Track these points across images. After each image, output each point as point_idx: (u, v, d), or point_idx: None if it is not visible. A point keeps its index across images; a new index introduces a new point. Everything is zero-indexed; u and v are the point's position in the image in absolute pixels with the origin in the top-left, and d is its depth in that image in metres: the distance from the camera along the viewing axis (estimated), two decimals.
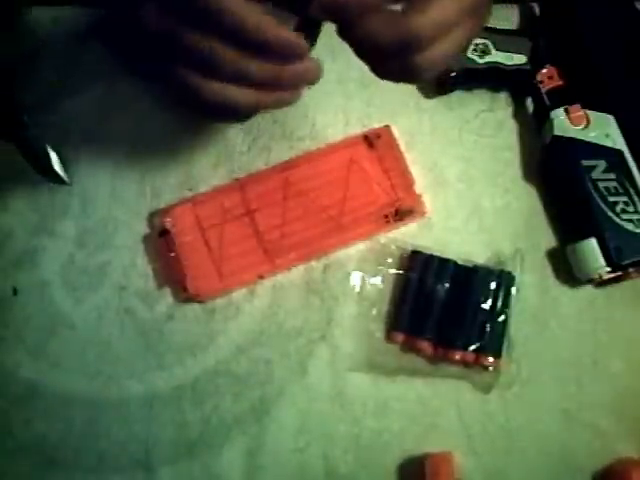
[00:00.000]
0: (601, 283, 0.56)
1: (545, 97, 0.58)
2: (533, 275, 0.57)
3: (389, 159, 0.58)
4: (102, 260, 0.58)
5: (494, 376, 0.55)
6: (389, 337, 0.56)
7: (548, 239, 0.58)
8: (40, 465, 0.55)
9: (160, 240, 0.57)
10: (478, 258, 0.57)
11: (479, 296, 0.55)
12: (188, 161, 0.60)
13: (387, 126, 0.59)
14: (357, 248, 0.58)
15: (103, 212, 0.59)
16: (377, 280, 0.57)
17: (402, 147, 0.59)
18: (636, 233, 0.54)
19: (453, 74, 0.58)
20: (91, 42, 0.62)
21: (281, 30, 0.36)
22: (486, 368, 0.54)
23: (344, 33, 0.39)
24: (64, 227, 0.58)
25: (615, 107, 0.57)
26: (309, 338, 0.56)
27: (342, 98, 0.61)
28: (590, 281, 0.56)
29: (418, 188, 0.58)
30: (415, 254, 0.57)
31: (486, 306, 0.55)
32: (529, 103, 0.61)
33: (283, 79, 0.38)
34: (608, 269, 0.54)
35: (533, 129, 0.60)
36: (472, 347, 0.54)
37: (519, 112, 0.61)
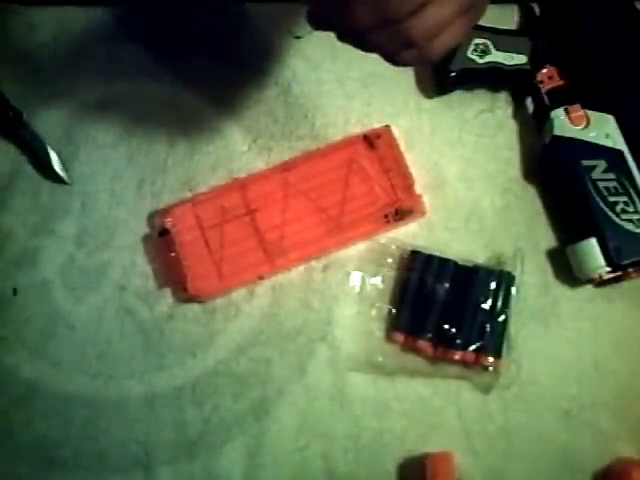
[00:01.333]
0: (601, 283, 0.56)
1: (545, 97, 0.58)
2: (533, 275, 0.57)
3: (389, 159, 0.58)
4: (102, 260, 0.58)
5: (494, 376, 0.54)
6: (389, 337, 0.56)
7: (548, 239, 0.58)
8: (40, 465, 0.55)
9: (160, 240, 0.57)
10: (478, 258, 0.57)
11: (479, 296, 0.55)
12: (188, 161, 0.60)
13: (387, 126, 0.59)
14: (357, 248, 0.58)
15: (103, 212, 0.59)
16: (377, 280, 0.57)
17: (402, 147, 0.59)
18: (636, 233, 0.54)
19: (453, 74, 0.58)
20: (92, 42, 0.62)
21: None
22: (486, 368, 0.54)
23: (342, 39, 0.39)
24: (64, 227, 0.59)
25: (615, 107, 0.57)
26: (309, 338, 0.56)
27: (342, 98, 0.61)
28: (590, 281, 0.56)
29: (418, 188, 0.58)
30: (415, 254, 0.57)
31: (486, 306, 0.55)
32: (529, 103, 0.61)
33: None
34: (608, 269, 0.54)
35: (533, 129, 0.60)
36: (472, 347, 0.54)
37: (519, 112, 0.61)
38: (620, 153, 0.56)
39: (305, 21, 0.39)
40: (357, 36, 0.38)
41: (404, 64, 0.39)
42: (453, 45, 0.38)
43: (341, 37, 0.39)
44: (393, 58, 0.39)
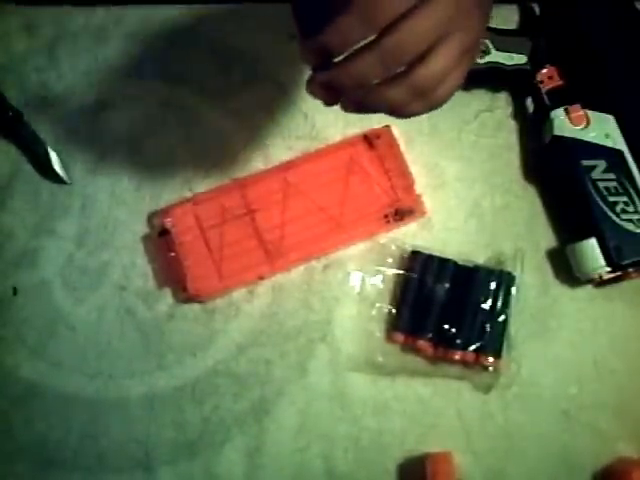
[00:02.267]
0: (601, 283, 0.56)
1: (545, 97, 0.58)
2: (533, 275, 0.57)
3: (389, 159, 0.58)
4: (102, 260, 0.58)
5: (494, 376, 0.55)
6: (389, 337, 0.56)
7: (548, 239, 0.58)
8: (40, 465, 0.55)
9: (160, 240, 0.57)
10: (478, 258, 0.57)
11: (479, 296, 0.55)
12: (188, 161, 0.60)
13: (387, 126, 0.59)
14: (357, 248, 0.58)
15: (103, 212, 0.59)
16: (377, 280, 0.57)
17: (402, 147, 0.59)
18: (636, 233, 0.54)
19: None
20: (92, 42, 0.62)
21: None
22: (486, 368, 0.54)
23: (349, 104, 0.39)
24: (64, 227, 0.59)
25: (615, 107, 0.57)
26: (309, 338, 0.56)
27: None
28: (590, 281, 0.56)
29: (418, 188, 0.58)
30: (415, 254, 0.57)
31: (486, 306, 0.55)
32: (529, 103, 0.60)
33: None
34: (608, 269, 0.54)
35: (533, 129, 0.60)
36: (472, 347, 0.54)
37: (519, 112, 0.61)
38: (620, 153, 0.56)
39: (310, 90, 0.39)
40: (366, 93, 0.38)
41: (412, 115, 0.39)
42: (457, 89, 0.39)
43: (346, 106, 0.39)
44: (402, 110, 0.39)
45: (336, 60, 0.37)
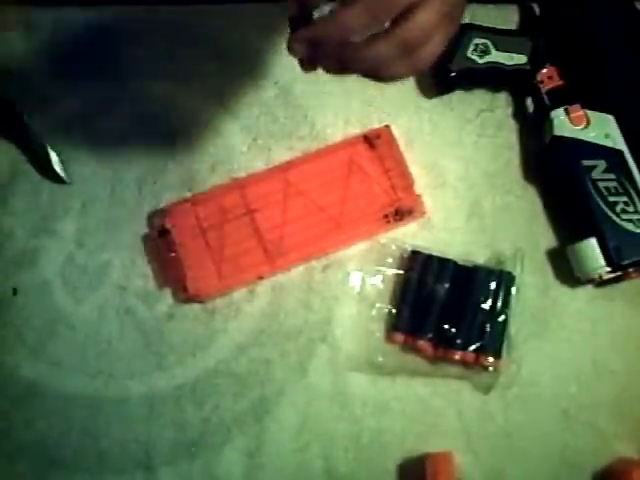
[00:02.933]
0: (601, 283, 0.56)
1: (545, 97, 0.58)
2: (533, 275, 0.57)
3: (389, 159, 0.58)
4: (102, 260, 0.58)
5: (494, 376, 0.55)
6: (389, 337, 0.56)
7: (548, 239, 0.58)
8: (40, 465, 0.55)
9: (160, 240, 0.57)
10: (478, 258, 0.57)
11: (479, 296, 0.55)
12: (188, 161, 0.60)
13: (387, 126, 0.59)
14: (357, 248, 0.58)
15: (103, 212, 0.59)
16: (377, 280, 0.57)
17: (402, 147, 0.59)
18: (636, 233, 0.54)
19: (453, 74, 0.58)
20: (91, 42, 0.62)
21: None
22: (486, 368, 0.54)
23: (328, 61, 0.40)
24: (64, 227, 0.59)
25: (615, 107, 0.57)
26: (309, 338, 0.56)
27: (342, 98, 0.61)
28: (590, 281, 0.56)
29: (418, 188, 0.58)
30: (415, 254, 0.57)
31: (486, 306, 0.55)
32: (529, 103, 0.61)
33: None
34: (608, 269, 0.54)
35: (533, 129, 0.60)
36: (472, 347, 0.54)
37: (519, 112, 0.61)
38: (620, 153, 0.56)
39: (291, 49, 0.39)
40: (350, 50, 0.38)
41: (395, 77, 0.40)
42: (438, 53, 0.40)
43: (328, 64, 0.39)
44: (386, 71, 0.39)
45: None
